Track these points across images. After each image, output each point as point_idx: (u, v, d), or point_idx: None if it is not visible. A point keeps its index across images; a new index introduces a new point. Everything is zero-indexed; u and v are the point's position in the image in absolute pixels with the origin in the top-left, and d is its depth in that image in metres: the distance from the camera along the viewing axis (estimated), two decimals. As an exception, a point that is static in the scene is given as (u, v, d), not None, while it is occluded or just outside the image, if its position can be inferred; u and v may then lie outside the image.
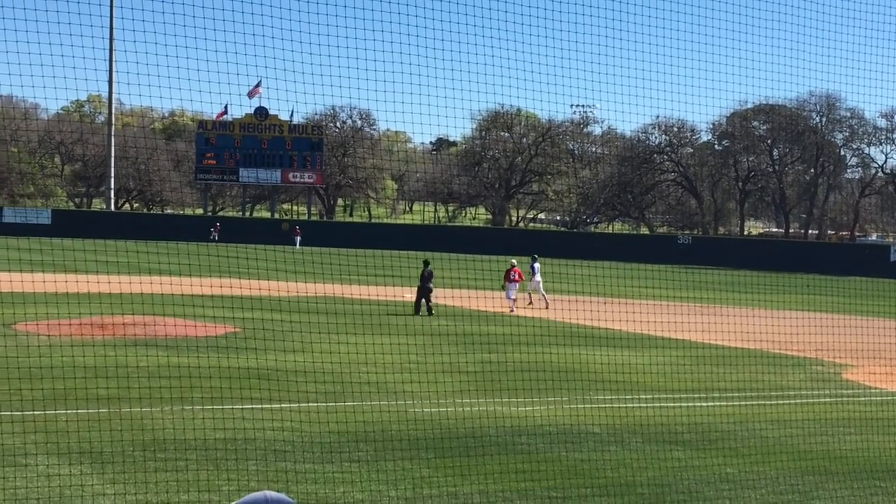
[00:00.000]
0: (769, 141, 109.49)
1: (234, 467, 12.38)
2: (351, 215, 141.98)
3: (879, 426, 16.84)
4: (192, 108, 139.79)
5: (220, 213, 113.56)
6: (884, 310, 38.79)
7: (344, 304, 29.24)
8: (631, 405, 18.18)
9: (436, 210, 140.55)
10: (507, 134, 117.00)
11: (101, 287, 22.72)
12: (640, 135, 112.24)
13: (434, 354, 20.53)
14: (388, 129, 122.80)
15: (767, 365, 23.47)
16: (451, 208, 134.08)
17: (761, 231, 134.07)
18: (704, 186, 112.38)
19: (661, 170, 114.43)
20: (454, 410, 16.13)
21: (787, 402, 19.07)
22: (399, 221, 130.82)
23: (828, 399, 19.85)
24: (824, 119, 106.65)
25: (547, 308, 36.93)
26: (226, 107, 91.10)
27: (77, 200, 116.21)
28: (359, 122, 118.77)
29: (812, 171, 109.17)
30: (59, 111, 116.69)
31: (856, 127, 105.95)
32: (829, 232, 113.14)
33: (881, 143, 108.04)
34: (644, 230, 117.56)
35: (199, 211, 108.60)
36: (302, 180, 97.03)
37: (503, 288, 36.80)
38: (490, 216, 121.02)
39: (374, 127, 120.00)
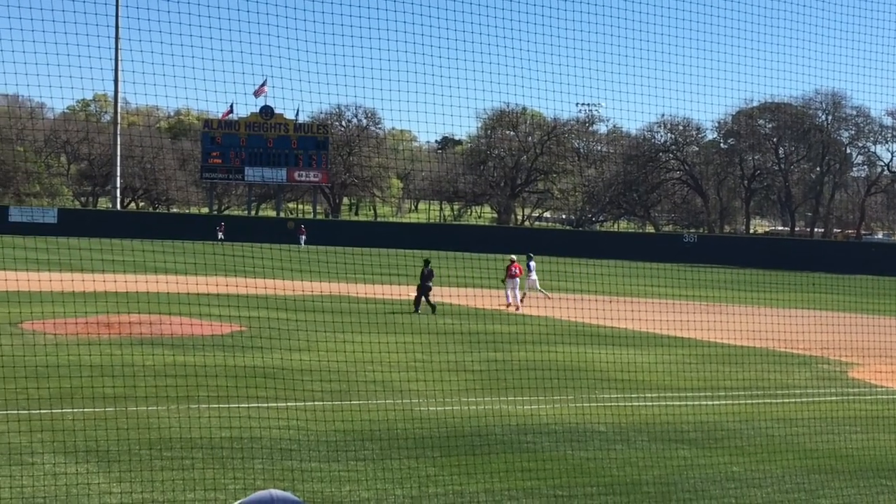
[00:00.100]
0: (775, 139, 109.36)
1: (239, 466, 12.39)
2: (356, 214, 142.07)
3: (886, 425, 16.81)
4: (198, 107, 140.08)
5: (226, 212, 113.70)
6: (890, 308, 38.71)
7: (349, 302, 29.25)
8: (636, 404, 18.17)
9: (441, 209, 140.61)
10: (512, 132, 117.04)
11: (107, 286, 22.77)
12: (646, 133, 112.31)
13: (440, 353, 20.54)
14: (393, 128, 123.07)
15: (773, 363, 23.43)
16: (456, 207, 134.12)
17: (767, 229, 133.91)
18: (710, 185, 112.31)
19: (666, 168, 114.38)
20: (460, 409, 16.13)
21: (793, 400, 19.04)
22: (404, 220, 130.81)
23: (834, 397, 19.82)
24: (830, 117, 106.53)
25: (549, 298, 37.60)
26: (231, 106, 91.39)
27: (83, 199, 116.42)
28: (364, 121, 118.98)
29: (818, 169, 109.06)
30: (65, 110, 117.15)
31: (862, 125, 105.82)
32: (834, 230, 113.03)
33: (887, 142, 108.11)
34: (649, 229, 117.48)
35: (205, 210, 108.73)
36: (307, 179, 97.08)
37: (503, 282, 37.24)
38: (495, 215, 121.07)
39: (380, 126, 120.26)
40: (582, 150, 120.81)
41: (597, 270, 36.66)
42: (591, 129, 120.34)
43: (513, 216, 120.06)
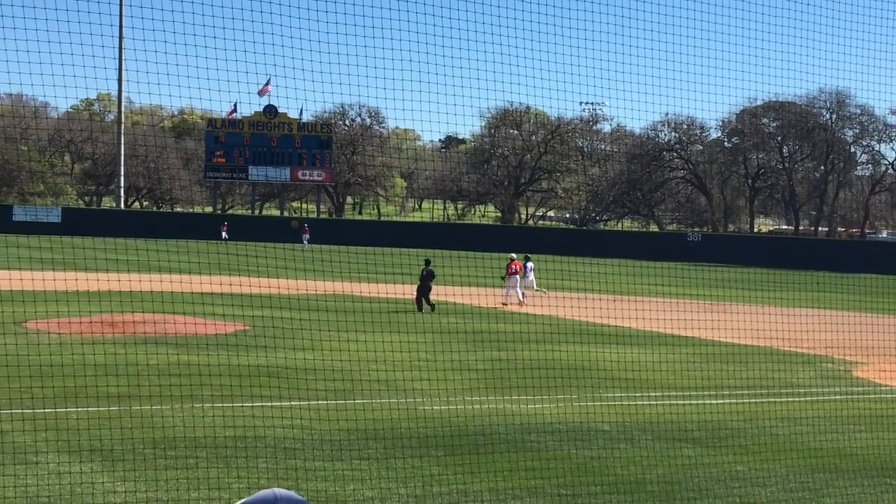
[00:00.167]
0: (779, 138, 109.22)
1: (243, 465, 12.39)
2: (360, 213, 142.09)
3: (890, 423, 16.79)
4: (202, 106, 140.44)
5: (230, 211, 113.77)
6: (894, 307, 38.67)
7: (353, 301, 29.25)
8: (640, 403, 18.17)
9: (445, 208, 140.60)
10: (516, 131, 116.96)
11: (111, 285, 22.79)
12: (650, 132, 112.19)
13: (443, 352, 20.54)
14: (397, 127, 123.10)
15: (777, 362, 23.41)
16: (460, 206, 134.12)
17: (771, 228, 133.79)
18: (714, 184, 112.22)
19: (670, 167, 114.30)
20: (464, 408, 16.14)
21: (798, 399, 19.02)
22: (408, 219, 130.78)
23: (838, 396, 19.80)
24: (834, 116, 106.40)
25: (545, 295, 37.97)
26: (235, 105, 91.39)
27: (87, 199, 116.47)
28: (368, 120, 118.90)
29: (822, 168, 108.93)
30: (69, 109, 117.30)
31: (866, 124, 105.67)
32: (839, 229, 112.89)
33: (891, 140, 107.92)
34: (653, 228, 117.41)
35: (209, 209, 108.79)
36: (311, 178, 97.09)
37: (503, 279, 37.61)
38: (499, 214, 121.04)
39: (384, 125, 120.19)
40: (585, 149, 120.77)
41: (600, 269, 36.68)
42: (594, 127, 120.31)
43: (516, 215, 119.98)
